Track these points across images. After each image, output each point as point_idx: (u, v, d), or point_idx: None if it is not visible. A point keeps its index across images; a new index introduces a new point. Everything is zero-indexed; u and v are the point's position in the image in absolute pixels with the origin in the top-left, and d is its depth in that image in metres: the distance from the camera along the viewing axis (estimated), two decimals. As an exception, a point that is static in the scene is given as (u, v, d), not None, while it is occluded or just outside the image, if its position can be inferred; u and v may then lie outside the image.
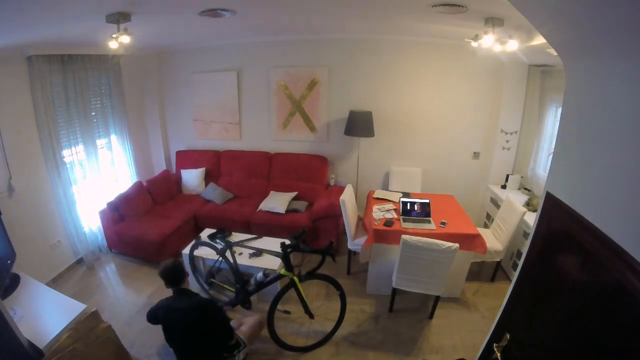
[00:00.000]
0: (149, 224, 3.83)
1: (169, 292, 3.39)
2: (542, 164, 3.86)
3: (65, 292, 2.51)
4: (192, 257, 3.22)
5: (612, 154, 1.00)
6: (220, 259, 2.95)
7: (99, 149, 4.03)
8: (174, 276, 2.16)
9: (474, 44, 2.84)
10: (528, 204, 3.49)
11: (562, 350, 1.20)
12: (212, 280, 3.18)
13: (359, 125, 4.02)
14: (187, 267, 3.24)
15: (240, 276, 2.88)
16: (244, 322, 2.53)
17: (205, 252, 3.19)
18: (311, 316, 2.76)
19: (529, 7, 1.21)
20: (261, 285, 2.76)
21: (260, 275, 2.73)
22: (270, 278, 2.74)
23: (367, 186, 4.42)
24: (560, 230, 1.26)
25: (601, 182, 1.04)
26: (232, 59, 4.54)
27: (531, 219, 3.06)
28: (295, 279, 2.60)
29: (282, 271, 2.67)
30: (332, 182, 4.70)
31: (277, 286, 2.97)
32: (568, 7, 0.97)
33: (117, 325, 2.41)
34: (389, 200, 3.62)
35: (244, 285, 2.86)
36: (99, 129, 4.03)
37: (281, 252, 2.61)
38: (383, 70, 4.20)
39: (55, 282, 3.45)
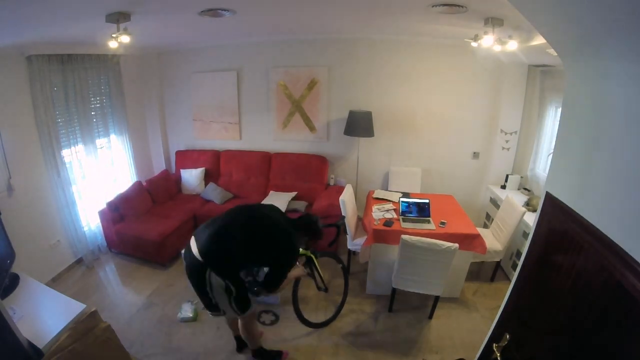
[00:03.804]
0: (148, 224, 3.83)
1: (168, 293, 3.41)
2: (541, 164, 3.87)
3: (65, 292, 2.50)
4: None
5: (611, 154, 1.00)
6: None
7: (99, 149, 4.03)
8: None
9: (473, 44, 2.84)
10: (528, 204, 3.49)
11: (562, 351, 1.20)
12: None
13: (358, 125, 4.02)
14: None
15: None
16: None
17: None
18: (326, 290, 2.97)
19: (529, 7, 1.21)
20: None
21: None
22: None
23: (367, 186, 4.42)
24: (559, 230, 1.26)
25: (601, 182, 1.04)
26: (232, 59, 4.54)
27: (531, 219, 3.07)
28: (312, 256, 2.77)
29: (301, 250, 2.78)
30: (331, 182, 4.70)
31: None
32: (568, 7, 0.97)
33: (117, 325, 2.40)
34: (389, 200, 3.62)
35: (255, 278, 2.90)
36: (99, 128, 4.03)
37: None
38: (383, 70, 4.19)
39: (55, 282, 3.44)
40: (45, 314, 2.10)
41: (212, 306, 2.26)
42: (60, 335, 1.90)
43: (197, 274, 2.11)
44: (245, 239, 2.07)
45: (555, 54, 1.34)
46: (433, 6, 2.23)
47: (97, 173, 3.99)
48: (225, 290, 2.12)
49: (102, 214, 3.89)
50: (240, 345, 2.70)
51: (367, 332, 2.92)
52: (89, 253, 3.82)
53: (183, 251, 2.23)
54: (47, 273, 3.43)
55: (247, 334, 2.48)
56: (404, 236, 2.68)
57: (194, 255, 2.07)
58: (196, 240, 2.11)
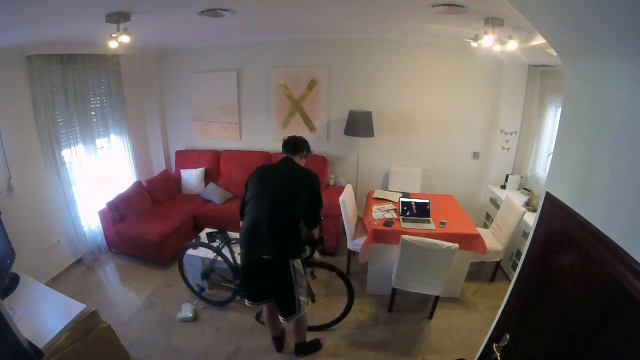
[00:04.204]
0: (148, 224, 3.83)
1: (168, 293, 3.41)
2: (541, 164, 3.87)
3: (65, 291, 2.51)
4: (180, 260, 3.21)
5: (611, 154, 1.00)
6: (217, 257, 2.97)
7: (99, 149, 4.03)
8: (295, 144, 2.36)
9: (473, 44, 2.84)
10: (528, 204, 3.49)
11: (562, 351, 1.20)
12: (206, 285, 3.19)
13: (358, 125, 4.02)
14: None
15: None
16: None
17: (200, 252, 3.17)
18: (313, 300, 2.83)
19: (529, 7, 1.21)
20: None
21: None
22: None
23: (367, 186, 4.42)
24: (559, 230, 1.26)
25: (601, 182, 1.04)
26: (232, 59, 4.54)
27: (531, 219, 3.07)
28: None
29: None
30: (331, 182, 4.70)
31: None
32: (568, 8, 0.97)
33: (117, 325, 2.41)
34: (389, 200, 3.62)
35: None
36: (99, 128, 4.03)
37: None
38: (383, 70, 4.19)
39: (55, 282, 3.44)
40: (45, 314, 2.10)
41: (291, 308, 2.23)
42: (60, 335, 1.90)
43: (282, 273, 2.13)
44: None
45: (555, 54, 1.34)
46: (433, 6, 2.23)
47: (97, 173, 3.99)
48: (306, 274, 2.22)
49: (102, 214, 3.89)
50: (282, 345, 2.69)
51: (367, 332, 2.92)
52: (89, 253, 3.82)
53: (244, 262, 2.22)
54: (47, 273, 3.43)
55: (302, 325, 2.49)
56: (404, 236, 2.68)
57: (263, 257, 2.08)
58: (253, 242, 2.09)
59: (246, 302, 2.34)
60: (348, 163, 4.63)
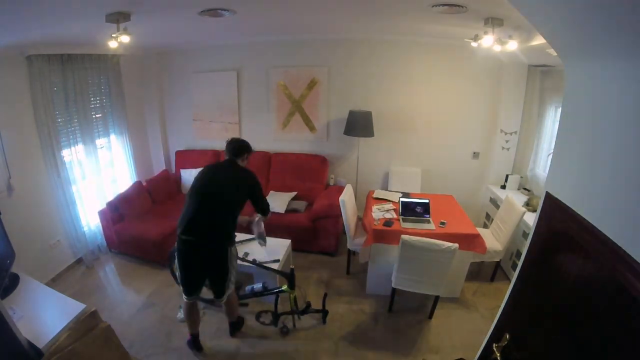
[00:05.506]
0: (148, 224, 3.83)
1: (168, 293, 3.41)
2: (541, 164, 3.87)
3: (65, 291, 2.50)
4: (173, 255, 3.20)
5: (611, 154, 1.00)
6: None
7: (99, 149, 4.03)
8: (237, 149, 2.45)
9: (473, 44, 2.84)
10: (527, 204, 3.49)
11: (562, 351, 1.20)
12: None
13: (358, 125, 4.02)
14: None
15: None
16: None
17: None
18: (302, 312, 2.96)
19: (529, 8, 1.21)
20: (257, 294, 2.89)
21: (259, 286, 2.86)
22: (270, 291, 2.88)
23: (367, 186, 4.42)
24: (559, 230, 1.26)
25: (601, 183, 1.04)
26: (232, 59, 4.54)
27: (531, 219, 3.07)
28: (292, 296, 2.82)
29: (285, 287, 2.81)
30: (331, 182, 4.70)
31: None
32: (568, 8, 0.98)
33: (117, 325, 2.41)
34: (389, 200, 3.63)
35: (236, 290, 2.91)
36: (99, 128, 4.03)
37: (288, 272, 2.79)
38: (383, 70, 4.20)
39: (55, 282, 3.44)
40: (45, 314, 2.10)
41: (222, 291, 2.48)
42: (60, 335, 1.90)
43: (219, 257, 2.37)
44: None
45: (555, 54, 1.34)
46: (433, 6, 2.23)
47: (97, 173, 3.99)
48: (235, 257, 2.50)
49: (102, 214, 3.89)
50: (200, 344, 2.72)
51: (367, 332, 2.92)
52: (88, 253, 3.82)
53: (184, 246, 2.36)
54: (47, 273, 3.43)
55: (233, 306, 2.70)
56: (404, 236, 2.68)
57: (206, 241, 2.32)
58: (194, 227, 2.31)
59: (184, 297, 2.47)
60: (348, 163, 4.63)
